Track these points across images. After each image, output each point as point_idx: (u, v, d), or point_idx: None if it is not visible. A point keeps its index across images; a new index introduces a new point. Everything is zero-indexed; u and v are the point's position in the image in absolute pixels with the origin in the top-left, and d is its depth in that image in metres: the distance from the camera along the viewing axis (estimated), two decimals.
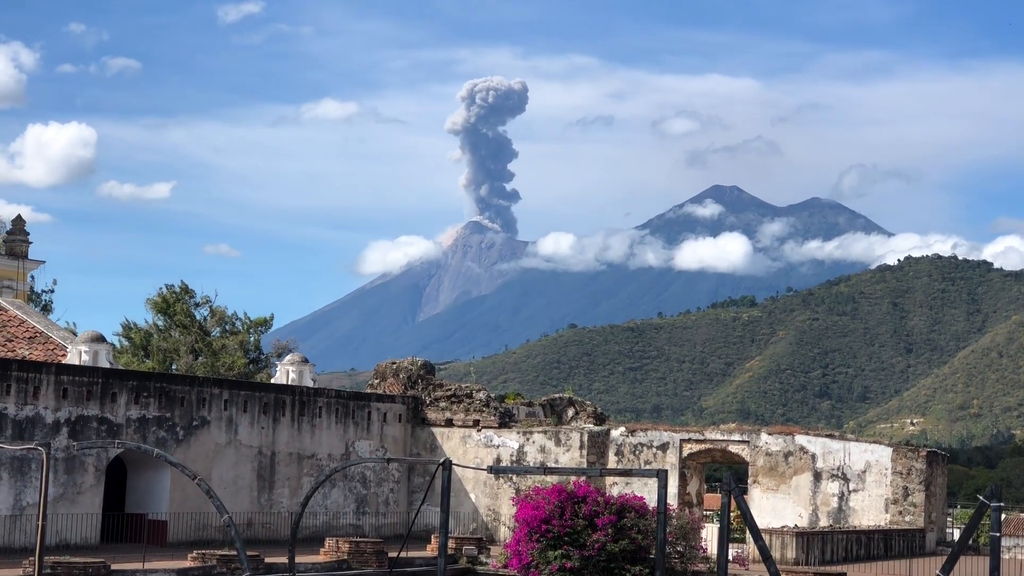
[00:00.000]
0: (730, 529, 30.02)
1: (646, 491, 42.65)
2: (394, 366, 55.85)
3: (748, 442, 49.74)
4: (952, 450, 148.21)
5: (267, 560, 36.42)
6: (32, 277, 66.93)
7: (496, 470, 33.25)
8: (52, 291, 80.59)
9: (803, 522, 47.55)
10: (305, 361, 56.11)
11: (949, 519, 57.40)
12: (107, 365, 47.78)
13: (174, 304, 76.37)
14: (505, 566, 36.28)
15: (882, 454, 48.00)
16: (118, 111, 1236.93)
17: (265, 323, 79.70)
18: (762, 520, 44.18)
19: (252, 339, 78.12)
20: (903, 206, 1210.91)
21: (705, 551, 37.81)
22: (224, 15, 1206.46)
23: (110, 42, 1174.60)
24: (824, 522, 47.65)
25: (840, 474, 48.07)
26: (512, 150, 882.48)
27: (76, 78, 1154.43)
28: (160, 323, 76.69)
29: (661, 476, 26.31)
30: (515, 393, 66.06)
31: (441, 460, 27.61)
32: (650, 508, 34.91)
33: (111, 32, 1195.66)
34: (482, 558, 42.24)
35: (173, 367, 73.35)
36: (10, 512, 40.54)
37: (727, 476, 27.10)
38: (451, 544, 41.24)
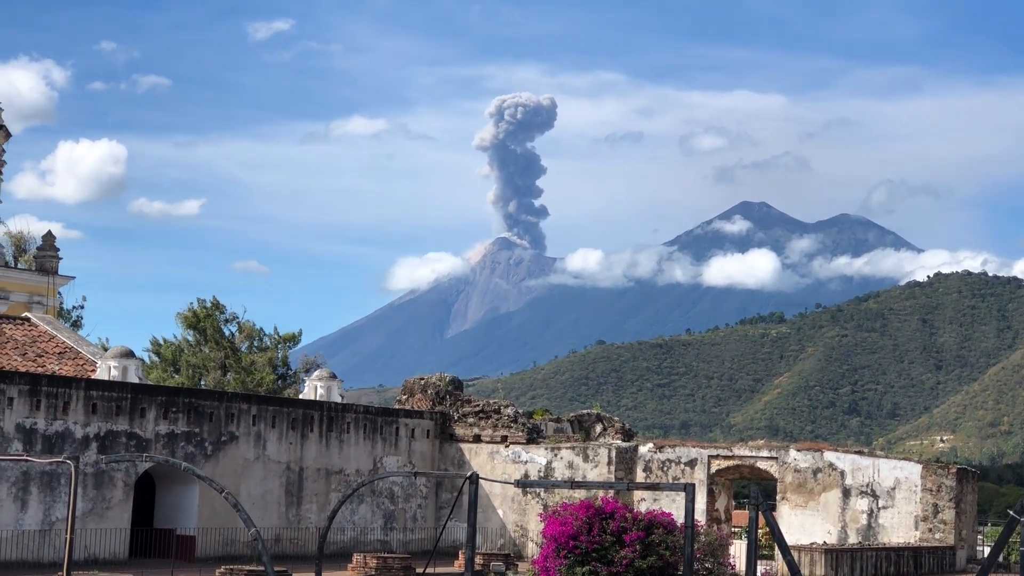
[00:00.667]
0: (758, 545, 29.87)
1: (674, 508, 42.52)
2: (422, 382, 55.85)
3: (777, 458, 49.52)
4: (982, 467, 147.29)
5: (295, 575, 36.43)
6: (60, 294, 67.25)
7: (523, 484, 33.18)
8: (82, 307, 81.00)
9: (832, 539, 47.29)
10: (333, 377, 56.19)
11: (980, 537, 56.99)
12: (136, 380, 47.94)
13: (204, 319, 76.64)
14: None
15: (912, 471, 47.71)
16: (148, 128, 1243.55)
17: (293, 339, 79.91)
18: (791, 537, 43.97)
19: (280, 355, 78.33)
20: (932, 222, 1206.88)
21: (733, 568, 37.65)
22: (254, 32, 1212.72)
23: (141, 60, 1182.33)
24: (853, 539, 47.38)
25: (869, 491, 47.80)
26: (540, 166, 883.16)
27: (107, 96, 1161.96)
28: (190, 338, 76.98)
29: (688, 490, 26.21)
30: (543, 409, 65.97)
31: (468, 474, 27.55)
32: (678, 525, 34.77)
33: (142, 50, 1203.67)
34: (510, 574, 42.15)
35: (202, 383, 73.58)
36: (39, 527, 40.68)
37: (755, 490, 26.98)
38: (478, 559, 41.18)
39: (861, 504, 47.88)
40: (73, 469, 27.41)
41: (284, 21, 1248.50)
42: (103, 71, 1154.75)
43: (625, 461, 50.98)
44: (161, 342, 78.26)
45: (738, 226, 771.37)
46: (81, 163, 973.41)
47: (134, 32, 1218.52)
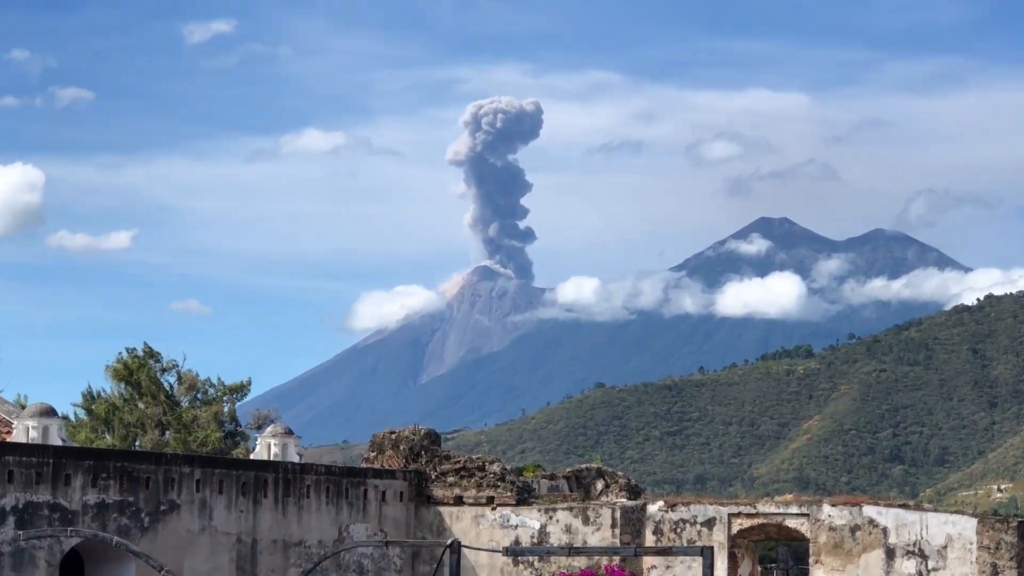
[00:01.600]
0: None
1: (690, 575, 42.51)
2: (393, 436, 55.80)
3: (808, 515, 49.55)
4: None
5: None
6: None
7: (513, 551, 33.18)
8: None
9: None
10: (289, 433, 56.08)
11: None
12: (59, 442, 47.77)
13: (137, 371, 76.43)
14: None
15: (965, 526, 47.77)
16: (69, 149, 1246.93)
17: (242, 389, 79.78)
18: None
19: (227, 409, 78.20)
20: (981, 236, 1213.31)
21: None
22: (189, 35, 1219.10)
23: (58, 70, 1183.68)
24: None
25: (917, 550, 47.86)
26: (525, 182, 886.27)
27: (19, 112, 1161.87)
28: (123, 393, 76.73)
29: (706, 554, 26.23)
30: (535, 465, 65.96)
31: (449, 542, 27.55)
32: None
33: (59, 59, 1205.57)
34: None
35: (136, 443, 73.40)
36: None
37: (783, 552, 27.05)
38: None
39: (907, 566, 47.92)
40: None
41: (224, 22, 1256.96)
42: (15, 84, 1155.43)
43: (631, 523, 50.97)
44: (95, 396, 77.99)
45: (756, 246, 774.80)
46: None
47: (50, 39, 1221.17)
